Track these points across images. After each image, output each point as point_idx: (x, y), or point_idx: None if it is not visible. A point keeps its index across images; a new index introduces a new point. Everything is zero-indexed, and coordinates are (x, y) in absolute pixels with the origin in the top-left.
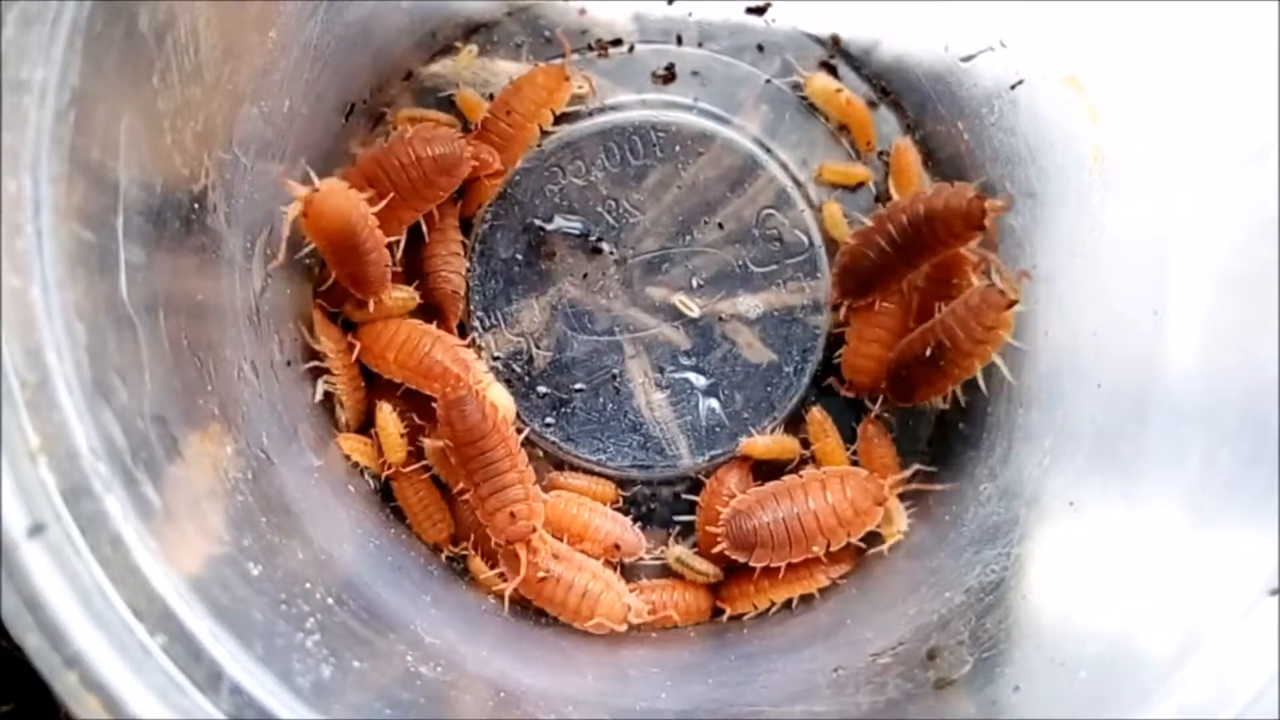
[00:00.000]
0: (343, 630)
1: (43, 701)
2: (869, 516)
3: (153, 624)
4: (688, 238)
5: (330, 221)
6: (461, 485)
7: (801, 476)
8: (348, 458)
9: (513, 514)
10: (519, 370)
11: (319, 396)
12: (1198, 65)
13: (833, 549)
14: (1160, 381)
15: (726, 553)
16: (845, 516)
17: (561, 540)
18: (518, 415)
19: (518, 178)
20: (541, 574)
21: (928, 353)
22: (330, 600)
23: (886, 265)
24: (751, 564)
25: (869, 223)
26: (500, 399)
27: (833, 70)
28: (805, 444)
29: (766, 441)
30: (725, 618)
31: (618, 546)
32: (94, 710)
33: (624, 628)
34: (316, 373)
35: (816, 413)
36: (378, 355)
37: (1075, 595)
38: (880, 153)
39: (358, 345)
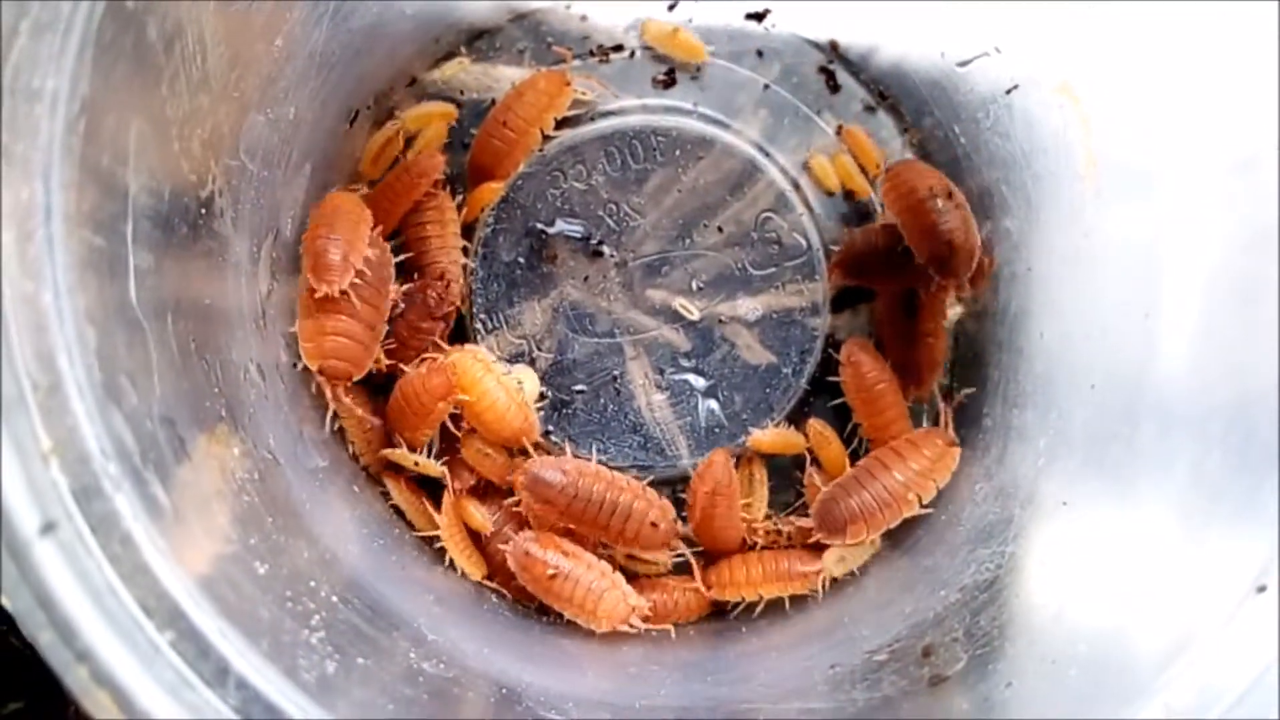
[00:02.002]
0: (347, 627)
1: (52, 698)
2: (949, 457)
3: (161, 621)
4: (688, 241)
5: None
6: (591, 534)
7: (872, 454)
8: (402, 517)
9: (654, 523)
10: None
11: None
12: (1189, 73)
13: (924, 503)
14: (1151, 385)
15: (822, 540)
16: (925, 468)
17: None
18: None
19: (520, 182)
20: (551, 571)
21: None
22: (335, 598)
23: (890, 264)
24: (847, 541)
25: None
26: (527, 379)
27: (831, 75)
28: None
29: (773, 435)
30: (728, 612)
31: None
32: (104, 704)
33: (628, 627)
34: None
35: (815, 423)
36: (395, 427)
37: (1068, 594)
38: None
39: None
